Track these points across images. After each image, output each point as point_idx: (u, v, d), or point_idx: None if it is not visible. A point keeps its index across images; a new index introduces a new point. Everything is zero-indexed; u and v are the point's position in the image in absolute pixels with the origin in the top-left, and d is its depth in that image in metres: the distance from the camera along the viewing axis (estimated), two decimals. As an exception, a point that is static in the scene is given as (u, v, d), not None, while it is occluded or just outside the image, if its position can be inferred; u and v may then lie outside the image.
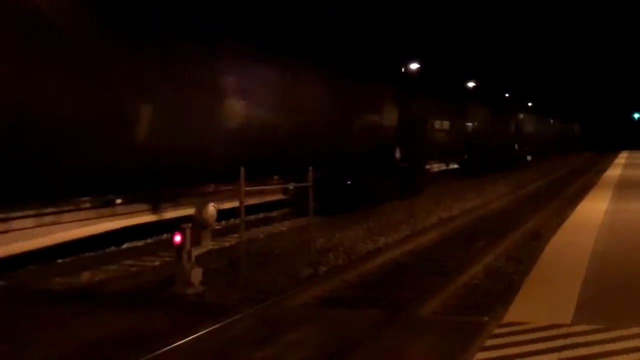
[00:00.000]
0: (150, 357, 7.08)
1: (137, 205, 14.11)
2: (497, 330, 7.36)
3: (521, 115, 50.84)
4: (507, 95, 54.43)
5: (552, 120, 70.28)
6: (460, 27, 52.41)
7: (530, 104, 64.52)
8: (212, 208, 11.62)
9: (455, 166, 37.89)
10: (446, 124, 30.54)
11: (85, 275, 12.35)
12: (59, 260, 13.37)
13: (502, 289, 11.06)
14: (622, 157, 58.14)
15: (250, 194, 13.50)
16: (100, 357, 7.44)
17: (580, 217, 17.00)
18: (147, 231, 16.18)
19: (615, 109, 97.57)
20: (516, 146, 46.97)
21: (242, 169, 11.49)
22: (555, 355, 6.53)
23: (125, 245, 15.35)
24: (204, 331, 7.91)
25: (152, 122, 10.23)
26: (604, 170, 40.23)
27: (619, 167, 43.05)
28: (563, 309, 8.05)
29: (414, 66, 32.10)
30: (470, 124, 35.19)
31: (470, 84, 44.79)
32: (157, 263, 13.68)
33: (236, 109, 12.61)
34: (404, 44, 33.06)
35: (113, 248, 14.95)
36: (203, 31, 12.41)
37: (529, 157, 52.67)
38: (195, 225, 10.90)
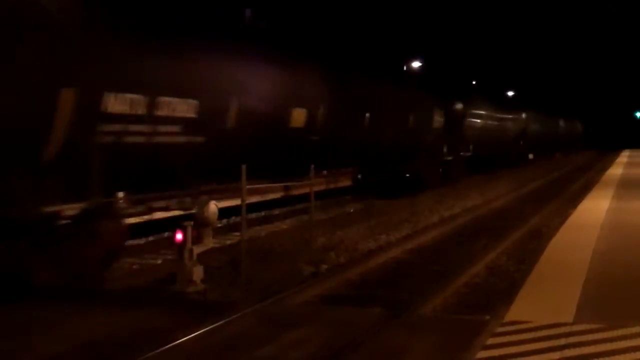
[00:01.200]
0: (152, 355, 7.09)
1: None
2: (499, 329, 7.34)
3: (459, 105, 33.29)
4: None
5: (524, 114, 50.34)
6: (460, 25, 52.25)
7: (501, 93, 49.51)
8: (213, 206, 11.62)
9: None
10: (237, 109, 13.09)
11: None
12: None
13: (503, 287, 11.05)
14: (624, 156, 58.09)
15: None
16: (101, 355, 7.44)
17: (582, 216, 16.98)
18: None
19: (617, 107, 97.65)
20: (445, 149, 30.98)
21: (244, 167, 11.49)
22: (557, 354, 6.51)
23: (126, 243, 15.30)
24: (205, 329, 7.90)
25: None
26: (605, 169, 40.21)
27: (620, 165, 43.00)
28: (565, 308, 8.04)
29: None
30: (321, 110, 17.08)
31: (474, 82, 44.10)
32: (159, 261, 13.68)
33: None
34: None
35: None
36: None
37: (530, 156, 52.24)
38: (197, 223, 10.89)
